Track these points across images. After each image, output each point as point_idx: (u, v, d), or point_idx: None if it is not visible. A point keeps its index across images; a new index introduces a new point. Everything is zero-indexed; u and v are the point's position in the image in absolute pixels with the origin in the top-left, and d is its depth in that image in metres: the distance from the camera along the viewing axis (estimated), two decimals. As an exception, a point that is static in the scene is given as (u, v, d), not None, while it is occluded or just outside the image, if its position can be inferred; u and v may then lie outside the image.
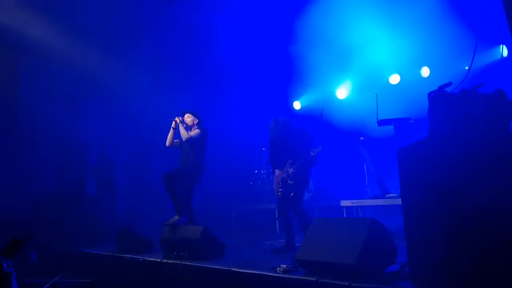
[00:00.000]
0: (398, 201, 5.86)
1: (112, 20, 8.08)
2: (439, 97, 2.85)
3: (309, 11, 7.99)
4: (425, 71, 8.06)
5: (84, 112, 8.59)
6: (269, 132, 5.29)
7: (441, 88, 2.91)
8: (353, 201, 6.44)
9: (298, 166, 4.87)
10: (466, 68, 7.59)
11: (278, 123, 5.17)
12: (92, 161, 8.35)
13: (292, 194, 4.86)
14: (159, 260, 4.67)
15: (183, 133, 5.48)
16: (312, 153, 4.78)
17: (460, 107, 2.73)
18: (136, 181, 9.30)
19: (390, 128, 6.64)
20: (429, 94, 2.95)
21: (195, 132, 5.54)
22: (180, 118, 5.60)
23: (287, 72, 9.09)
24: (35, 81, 7.78)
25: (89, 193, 8.05)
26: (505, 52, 7.33)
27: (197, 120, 5.71)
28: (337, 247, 3.28)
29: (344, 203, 6.54)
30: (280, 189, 5.00)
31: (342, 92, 9.01)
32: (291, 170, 4.92)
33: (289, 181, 4.90)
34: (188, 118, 5.68)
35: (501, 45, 7.33)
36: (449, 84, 2.95)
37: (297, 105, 9.71)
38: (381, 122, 6.29)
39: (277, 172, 5.14)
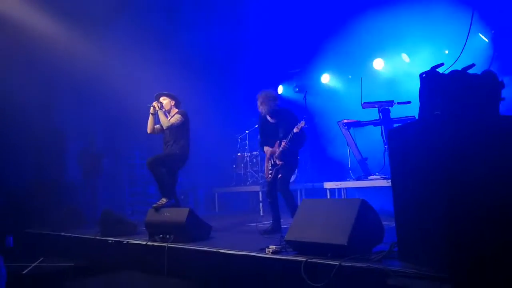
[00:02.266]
0: (381, 183, 5.99)
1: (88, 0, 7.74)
2: (431, 77, 2.86)
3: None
4: (405, 57, 8.15)
5: (60, 98, 8.30)
6: (259, 107, 4.97)
7: (433, 68, 2.93)
8: (337, 183, 6.52)
9: (286, 142, 4.72)
10: (446, 52, 7.75)
11: (266, 96, 4.88)
12: (78, 147, 8.15)
13: (279, 175, 4.80)
14: (144, 243, 4.60)
15: (163, 120, 5.28)
16: (295, 129, 4.58)
17: (452, 87, 2.75)
18: (115, 167, 9.12)
19: (372, 111, 6.72)
20: (421, 75, 2.96)
21: (175, 118, 5.35)
22: (159, 104, 5.36)
23: (270, 56, 9.00)
24: (7, 68, 7.40)
25: (71, 179, 7.84)
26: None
27: (173, 102, 5.54)
28: (327, 227, 3.29)
29: (328, 185, 6.62)
30: (270, 172, 4.94)
31: (325, 77, 9.03)
32: (280, 149, 4.81)
33: (277, 162, 4.82)
34: (164, 101, 5.49)
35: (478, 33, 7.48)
36: (441, 65, 2.97)
37: (280, 89, 9.68)
38: (365, 105, 6.34)
39: (267, 152, 4.98)
